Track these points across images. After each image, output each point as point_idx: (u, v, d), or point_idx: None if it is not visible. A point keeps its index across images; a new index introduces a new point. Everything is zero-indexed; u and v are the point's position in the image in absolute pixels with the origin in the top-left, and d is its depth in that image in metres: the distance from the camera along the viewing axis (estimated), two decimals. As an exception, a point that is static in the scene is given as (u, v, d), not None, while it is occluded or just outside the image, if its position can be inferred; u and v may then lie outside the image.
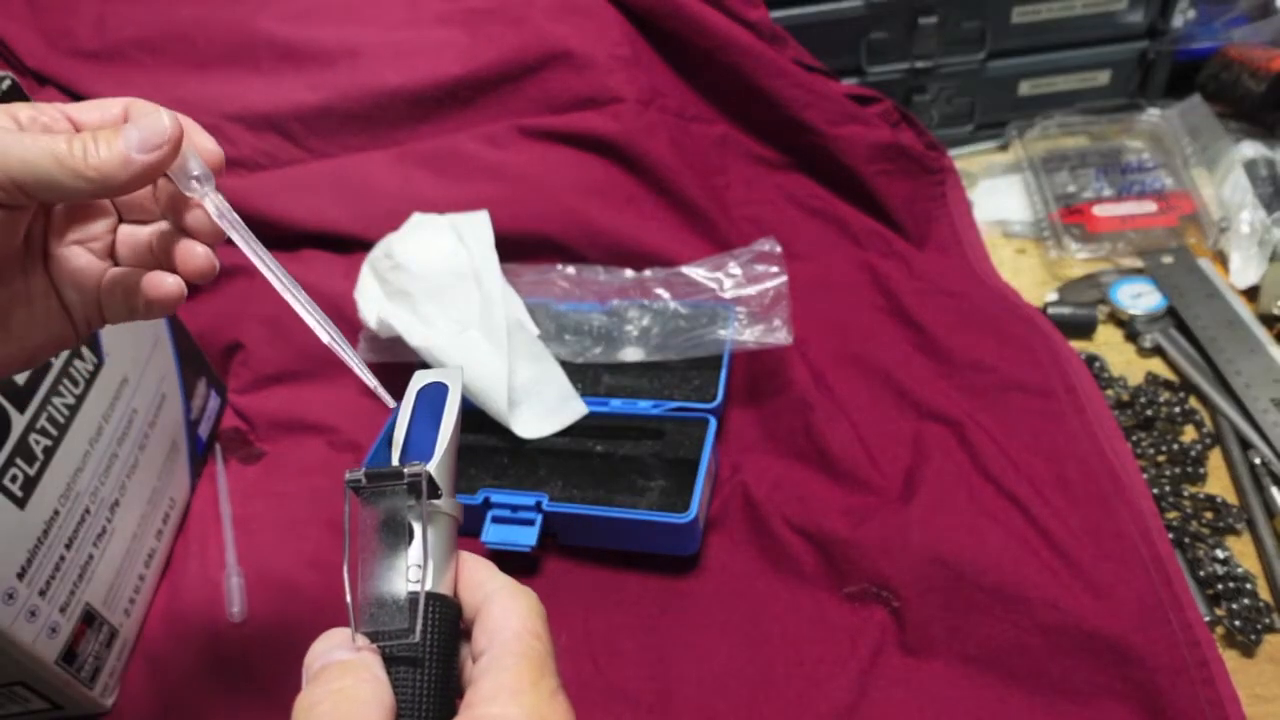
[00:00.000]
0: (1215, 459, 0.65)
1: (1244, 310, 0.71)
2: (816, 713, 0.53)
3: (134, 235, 0.38)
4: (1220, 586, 0.56)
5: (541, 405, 0.66)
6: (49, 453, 0.54)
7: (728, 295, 0.70)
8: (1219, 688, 0.49)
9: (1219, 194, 0.81)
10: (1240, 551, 0.59)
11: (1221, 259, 0.78)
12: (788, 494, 0.63)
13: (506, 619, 0.32)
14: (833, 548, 0.59)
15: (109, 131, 0.33)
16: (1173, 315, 0.73)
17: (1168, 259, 0.77)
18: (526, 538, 0.60)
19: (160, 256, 0.38)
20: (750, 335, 0.67)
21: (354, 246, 0.79)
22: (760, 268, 0.70)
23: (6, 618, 0.49)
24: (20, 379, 0.53)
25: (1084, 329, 0.74)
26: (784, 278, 0.69)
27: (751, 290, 0.70)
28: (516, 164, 0.80)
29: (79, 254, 0.37)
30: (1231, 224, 0.78)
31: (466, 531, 0.61)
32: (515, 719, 0.30)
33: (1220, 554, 0.58)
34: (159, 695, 0.59)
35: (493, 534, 0.61)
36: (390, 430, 0.67)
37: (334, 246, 0.81)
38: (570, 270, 0.75)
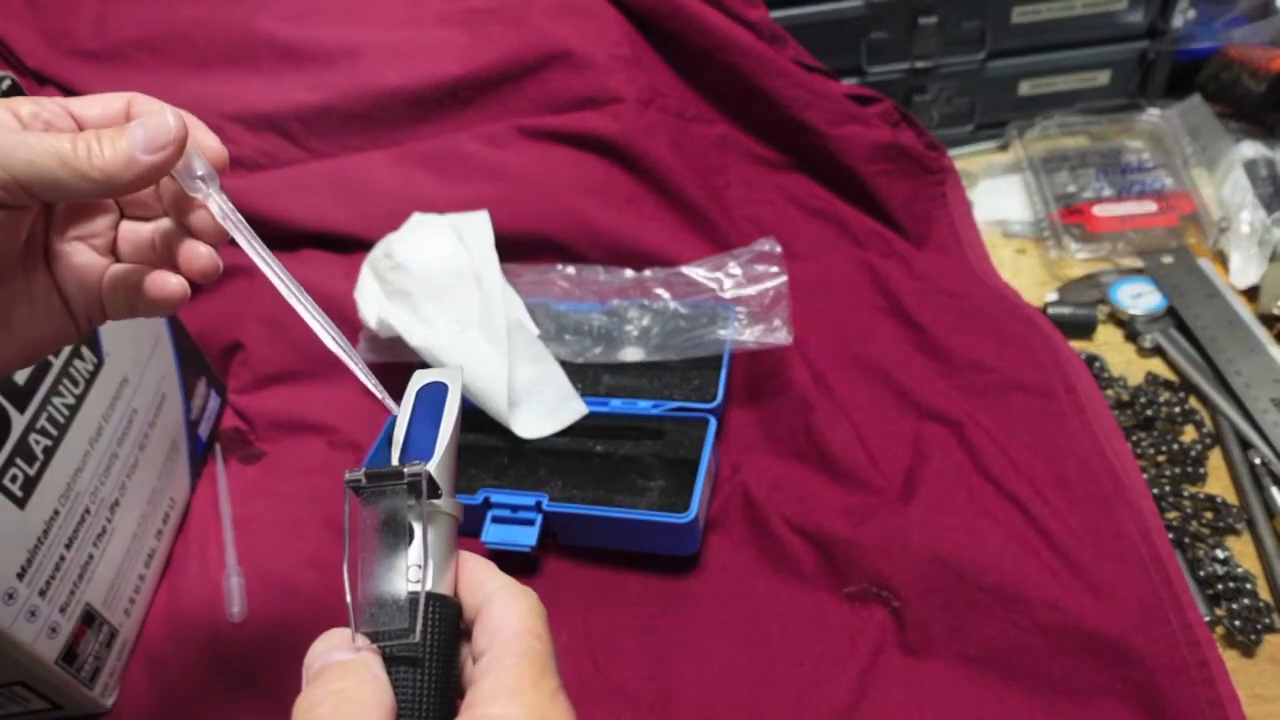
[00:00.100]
0: (1215, 459, 0.65)
1: (1244, 310, 0.71)
2: (816, 713, 0.53)
3: (136, 232, 0.38)
4: (1220, 586, 0.56)
5: (541, 405, 0.66)
6: (49, 453, 0.54)
7: (728, 295, 0.70)
8: (1219, 688, 0.49)
9: (1219, 194, 0.81)
10: (1240, 551, 0.59)
11: (1221, 259, 0.78)
12: (788, 494, 0.63)
13: (507, 619, 0.32)
14: (833, 548, 0.59)
15: (113, 131, 0.33)
16: (1173, 315, 0.73)
17: (1168, 259, 0.77)
18: (526, 538, 0.60)
19: (163, 254, 0.38)
20: (750, 335, 0.67)
21: (354, 246, 0.79)
22: (760, 268, 0.70)
23: (6, 618, 0.49)
24: (20, 379, 0.53)
25: (1084, 329, 0.74)
26: (784, 278, 0.69)
27: (751, 290, 0.70)
28: (516, 164, 0.80)
29: (81, 250, 0.37)
30: (1231, 224, 0.78)
31: (466, 531, 0.61)
32: (515, 719, 0.30)
33: (1220, 554, 0.58)
34: (159, 695, 0.59)
35: (493, 534, 0.61)
36: (390, 430, 0.67)
37: (334, 246, 0.81)
38: (570, 270, 0.75)
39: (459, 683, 0.34)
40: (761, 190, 0.84)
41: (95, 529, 0.58)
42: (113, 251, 0.38)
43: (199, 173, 0.36)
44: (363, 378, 0.36)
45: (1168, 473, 0.63)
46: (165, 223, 0.38)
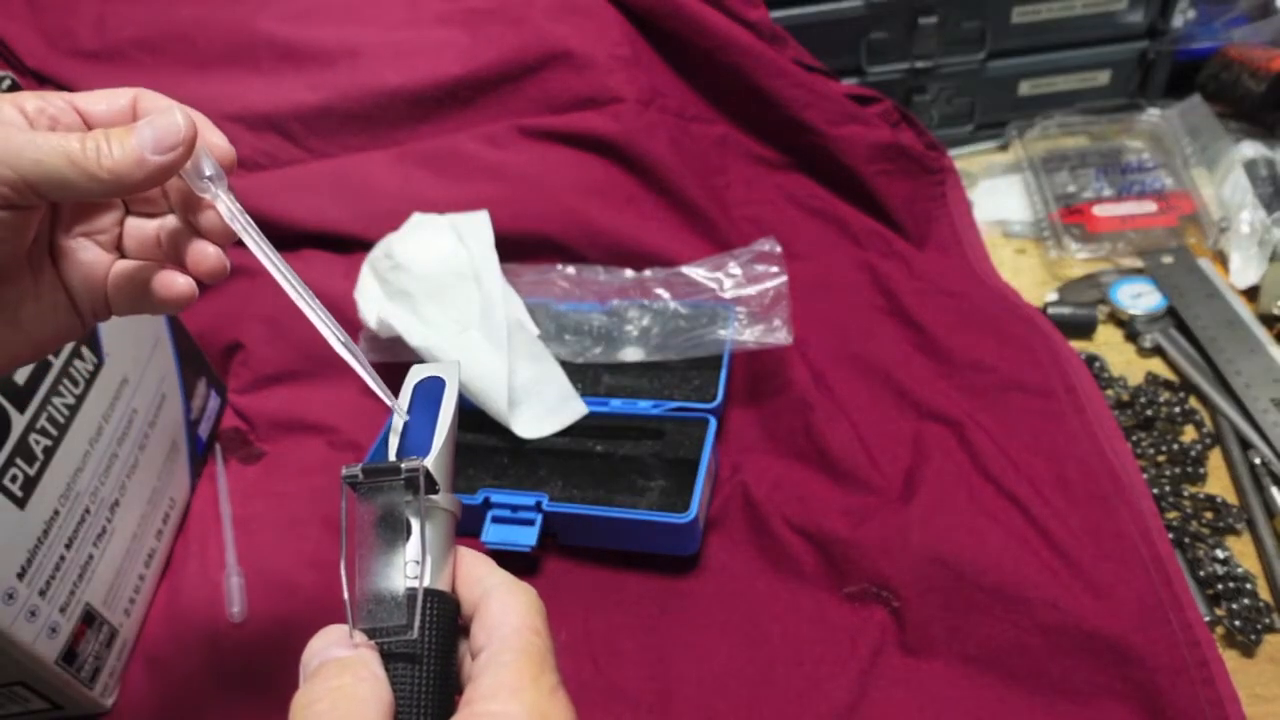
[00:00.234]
0: (1215, 459, 0.65)
1: (1244, 310, 0.71)
2: (816, 713, 0.53)
3: (141, 228, 0.38)
4: (1220, 586, 0.56)
5: (541, 405, 0.66)
6: (49, 453, 0.54)
7: (728, 295, 0.70)
8: (1219, 688, 0.49)
9: (1219, 194, 0.81)
10: (1240, 551, 0.59)
11: (1221, 259, 0.78)
12: (788, 494, 0.63)
13: (506, 615, 0.32)
14: (833, 548, 0.59)
15: (122, 131, 0.33)
16: (1173, 315, 0.73)
17: (1168, 259, 0.77)
18: (526, 538, 0.60)
19: (169, 252, 0.38)
20: (750, 335, 0.67)
21: (354, 246, 0.79)
22: (760, 268, 0.70)
23: (6, 618, 0.49)
24: (20, 379, 0.53)
25: (1084, 329, 0.74)
26: (784, 278, 0.69)
27: (751, 290, 0.70)
28: (516, 164, 0.80)
29: (86, 247, 0.37)
30: (1231, 224, 0.78)
31: (466, 531, 0.61)
32: (515, 716, 0.29)
33: (1220, 554, 0.58)
34: (159, 695, 0.59)
35: (493, 534, 0.61)
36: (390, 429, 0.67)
37: (334, 246, 0.81)
38: (570, 270, 0.75)
39: (457, 679, 0.34)
40: (761, 190, 0.84)
41: (95, 529, 0.57)
42: (118, 248, 0.38)
43: (207, 173, 0.35)
44: (370, 382, 0.36)
45: (1168, 473, 0.63)
46: (171, 220, 0.38)
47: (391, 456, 0.35)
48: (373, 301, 0.72)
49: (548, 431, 0.65)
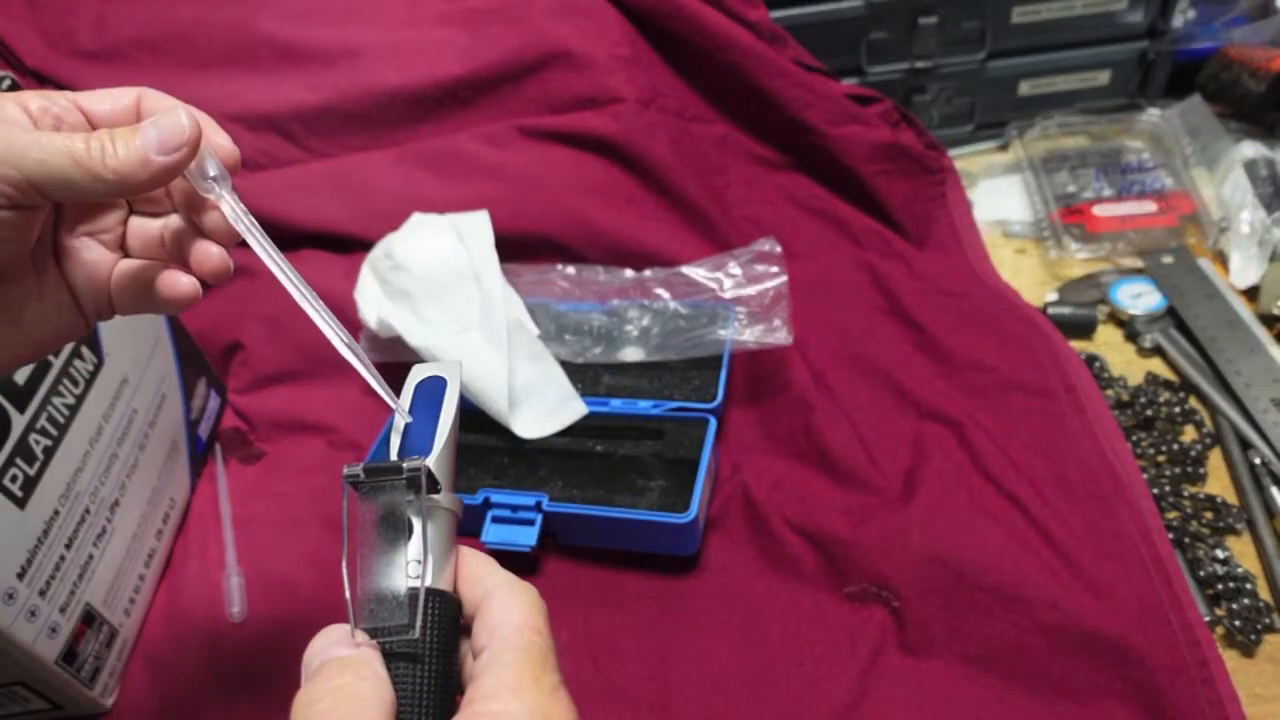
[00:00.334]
0: (1215, 459, 0.65)
1: (1244, 310, 0.71)
2: (816, 713, 0.53)
3: (145, 228, 0.38)
4: (1220, 586, 0.56)
5: (541, 405, 0.66)
6: (49, 453, 0.54)
7: (728, 295, 0.70)
8: (1219, 688, 0.49)
9: (1219, 194, 0.81)
10: (1240, 551, 0.59)
11: (1221, 259, 0.78)
12: (788, 494, 0.63)
13: (507, 614, 0.32)
14: (833, 548, 0.59)
15: (127, 131, 0.33)
16: (1173, 315, 0.73)
17: (1168, 259, 0.77)
18: (526, 538, 0.60)
19: (172, 251, 0.38)
20: (750, 335, 0.67)
21: (354, 246, 0.79)
22: (760, 268, 0.70)
23: (6, 618, 0.49)
24: (20, 379, 0.53)
25: (1084, 329, 0.74)
26: (784, 278, 0.69)
27: (751, 290, 0.70)
28: (516, 164, 0.80)
29: (90, 246, 0.37)
30: (1231, 224, 0.78)
31: (466, 531, 0.61)
32: (517, 715, 0.29)
33: (1220, 554, 0.58)
34: (159, 695, 0.59)
35: (493, 534, 0.61)
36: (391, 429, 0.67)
37: (334, 246, 0.81)
38: (570, 270, 0.75)
39: (459, 679, 0.33)
40: (761, 190, 0.84)
41: (95, 529, 0.57)
42: (121, 247, 0.38)
43: (211, 173, 0.35)
44: (372, 382, 0.36)
45: (1168, 473, 0.63)
46: (175, 220, 0.38)
47: (393, 456, 0.35)
48: (373, 301, 0.72)
49: (548, 431, 0.65)
